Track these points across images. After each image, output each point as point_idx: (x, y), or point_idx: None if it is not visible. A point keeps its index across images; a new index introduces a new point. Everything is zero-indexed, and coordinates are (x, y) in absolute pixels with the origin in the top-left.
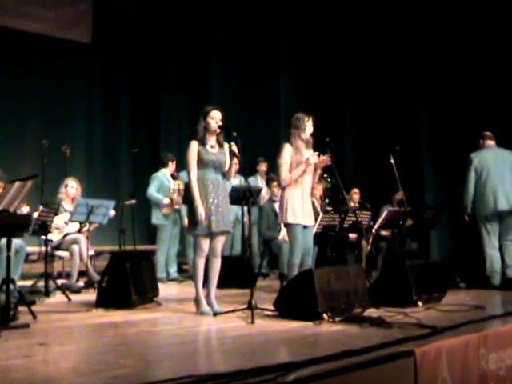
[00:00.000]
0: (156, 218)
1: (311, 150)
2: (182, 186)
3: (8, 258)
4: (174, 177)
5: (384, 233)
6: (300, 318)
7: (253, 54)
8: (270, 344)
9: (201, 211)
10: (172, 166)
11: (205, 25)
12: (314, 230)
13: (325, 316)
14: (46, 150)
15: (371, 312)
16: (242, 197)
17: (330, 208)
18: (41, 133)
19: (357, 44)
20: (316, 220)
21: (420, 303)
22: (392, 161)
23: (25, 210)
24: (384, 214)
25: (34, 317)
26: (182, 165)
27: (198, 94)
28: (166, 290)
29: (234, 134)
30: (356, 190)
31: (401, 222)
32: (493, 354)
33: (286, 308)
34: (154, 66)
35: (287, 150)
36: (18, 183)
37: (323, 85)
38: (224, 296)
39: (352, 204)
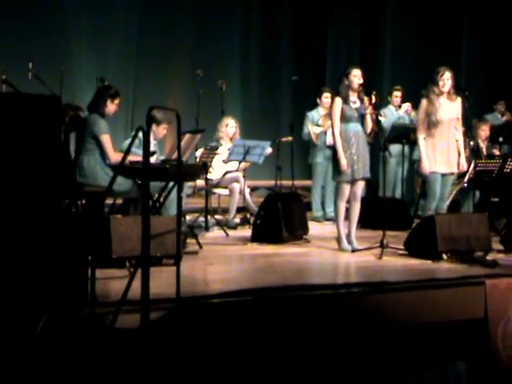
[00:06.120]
0: (311, 156)
1: (454, 98)
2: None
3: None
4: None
5: None
6: (423, 257)
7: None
8: (383, 272)
9: (344, 162)
10: (326, 102)
11: None
12: (467, 176)
13: (444, 256)
14: (201, 80)
15: (499, 257)
16: (404, 134)
17: (495, 150)
18: (194, 59)
19: None
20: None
21: None
22: None
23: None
24: None
25: (200, 246)
26: None
27: (369, 22)
28: (320, 229)
29: (374, 92)
30: None
31: None
32: None
33: (412, 248)
34: None
35: (423, 106)
36: (188, 136)
37: None
38: (373, 237)
39: None
